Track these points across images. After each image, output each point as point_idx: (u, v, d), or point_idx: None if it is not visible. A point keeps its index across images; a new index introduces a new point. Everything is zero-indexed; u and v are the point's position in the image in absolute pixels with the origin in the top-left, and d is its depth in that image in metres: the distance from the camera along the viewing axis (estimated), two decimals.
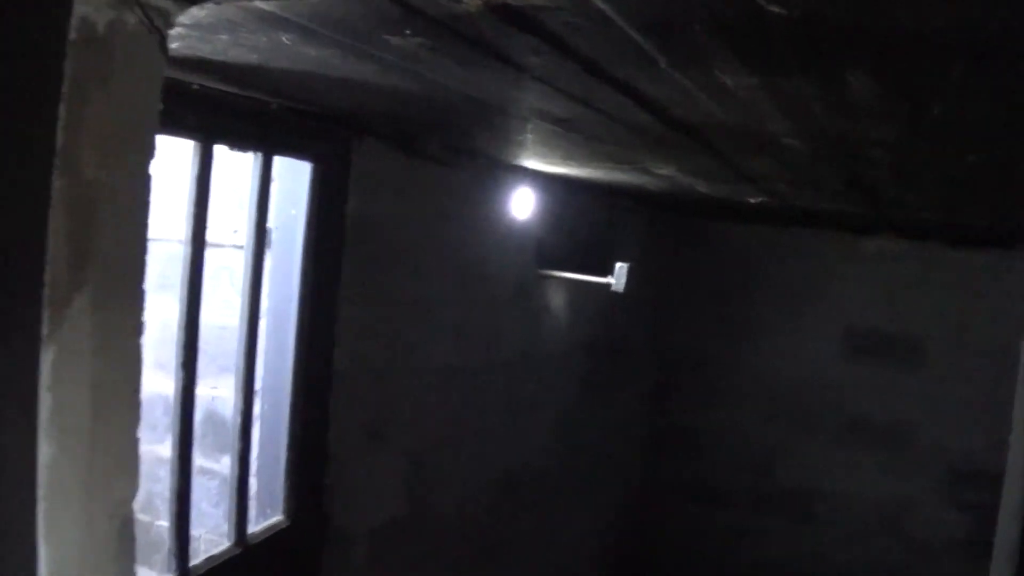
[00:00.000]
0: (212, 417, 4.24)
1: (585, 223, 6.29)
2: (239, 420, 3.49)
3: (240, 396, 3.48)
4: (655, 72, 2.17)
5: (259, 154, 3.43)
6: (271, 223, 3.68)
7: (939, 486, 7.52)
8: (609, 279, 5.53)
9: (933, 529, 7.52)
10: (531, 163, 4.82)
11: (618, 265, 5.49)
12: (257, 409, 3.69)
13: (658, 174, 4.68)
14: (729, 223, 7.88)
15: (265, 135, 3.40)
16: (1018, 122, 2.41)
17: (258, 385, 3.64)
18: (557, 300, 5.97)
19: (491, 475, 5.42)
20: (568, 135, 3.54)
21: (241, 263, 3.48)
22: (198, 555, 3.30)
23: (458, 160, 4.62)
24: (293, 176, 3.71)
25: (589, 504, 7.03)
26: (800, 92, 2.27)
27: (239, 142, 3.33)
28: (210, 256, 3.18)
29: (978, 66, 1.89)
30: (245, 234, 3.49)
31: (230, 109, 3.17)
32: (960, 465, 7.43)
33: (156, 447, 3.77)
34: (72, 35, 1.44)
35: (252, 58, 2.51)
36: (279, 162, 3.56)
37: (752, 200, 5.58)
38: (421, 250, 4.44)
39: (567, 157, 4.37)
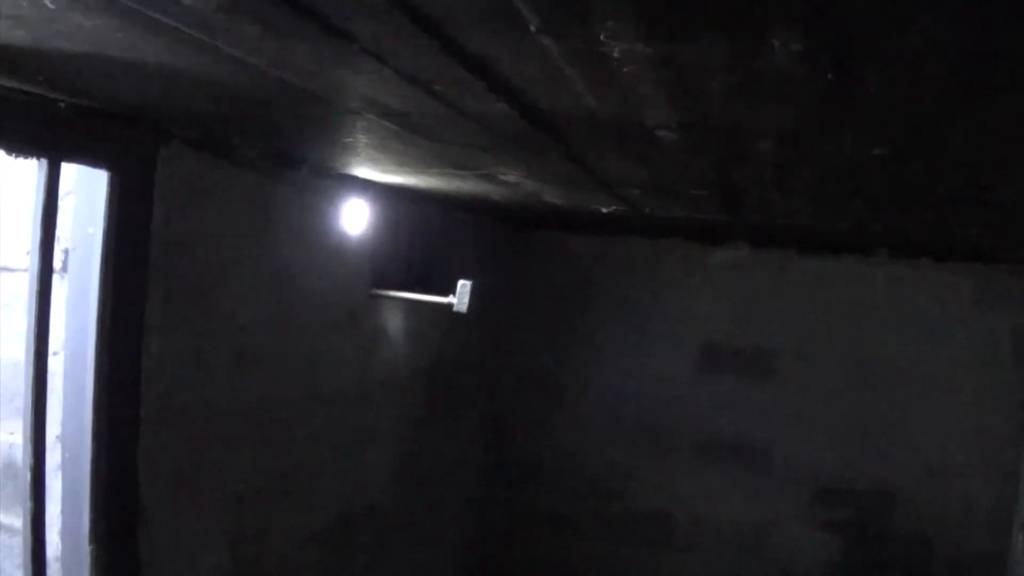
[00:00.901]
0: (12, 466, 3.63)
1: (423, 238, 5.79)
2: (29, 475, 3.01)
3: (29, 447, 3.01)
4: (521, 39, 1.69)
5: (43, 160, 2.91)
6: (67, 243, 3.23)
7: (800, 506, 7.27)
8: (450, 298, 5.04)
9: (796, 551, 7.21)
10: (363, 172, 4.32)
11: (460, 283, 5.00)
12: (58, 458, 3.25)
13: (504, 181, 4.22)
14: (573, 234, 7.46)
15: (51, 138, 2.90)
16: (955, 108, 2.00)
17: (58, 431, 3.25)
18: (393, 322, 5.45)
19: (324, 518, 4.87)
20: (406, 135, 3.04)
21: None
22: None
23: (280, 169, 4.09)
24: (93, 188, 3.19)
25: (433, 541, 6.52)
26: (703, 64, 1.81)
27: (18, 146, 2.82)
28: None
29: (940, 27, 1.45)
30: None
31: (5, 106, 2.67)
32: (820, 483, 7.22)
33: None
34: None
35: (19, 35, 1.97)
36: (76, 172, 3.13)
37: (604, 209, 5.16)
38: (238, 271, 3.91)
39: (404, 163, 3.87)
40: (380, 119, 2.77)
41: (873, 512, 7.07)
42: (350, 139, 3.31)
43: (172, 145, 3.40)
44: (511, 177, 4.08)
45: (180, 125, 3.34)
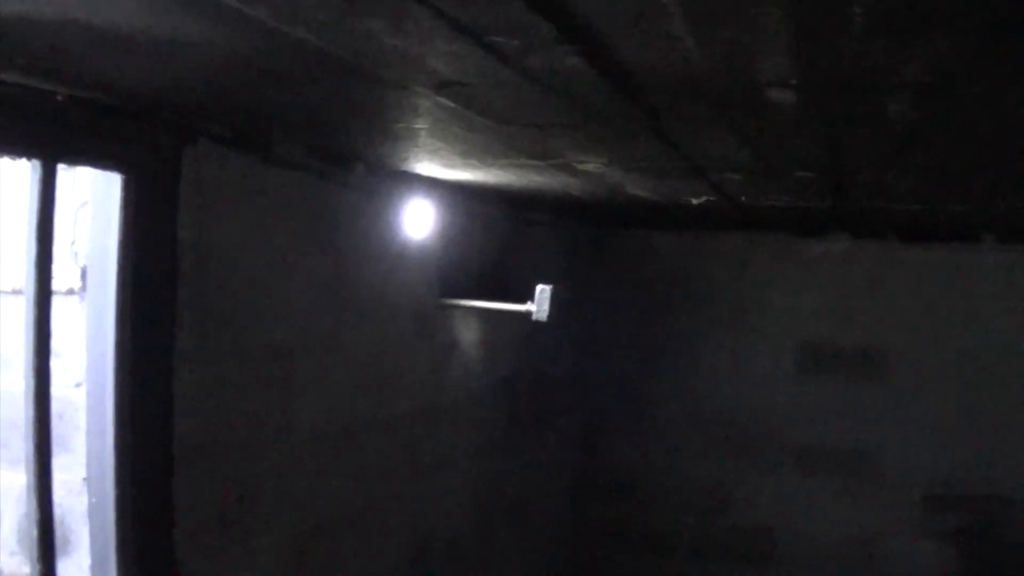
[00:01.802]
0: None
1: (495, 241, 5.34)
2: (35, 531, 2.57)
3: (34, 498, 2.59)
4: None
5: (37, 162, 2.49)
6: (84, 260, 2.86)
7: (911, 515, 6.59)
8: (528, 305, 4.57)
9: (908, 563, 6.63)
10: (425, 167, 3.88)
11: (539, 288, 4.54)
12: (85, 504, 2.87)
13: (583, 171, 3.75)
14: (659, 231, 6.97)
15: (43, 135, 2.48)
16: None
17: (84, 473, 2.88)
18: (467, 334, 5.00)
19: (398, 553, 4.43)
20: (465, 115, 2.59)
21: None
22: None
23: (330, 168, 3.67)
24: (111, 197, 2.79)
25: (521, 569, 6.03)
26: None
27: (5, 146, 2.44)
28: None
29: None
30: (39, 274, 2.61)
31: None
32: (933, 489, 6.59)
33: None
34: None
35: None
36: (93, 178, 2.77)
37: (694, 201, 4.67)
38: (283, 285, 3.49)
39: (468, 154, 3.42)
40: (434, 93, 2.32)
41: (990, 519, 6.47)
42: (403, 125, 2.86)
43: (200, 144, 3.00)
44: (590, 166, 3.62)
45: (207, 119, 2.93)
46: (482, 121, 2.68)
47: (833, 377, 6.78)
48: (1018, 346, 6.31)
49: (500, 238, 5.40)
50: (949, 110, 2.30)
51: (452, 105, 2.45)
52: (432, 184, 4.29)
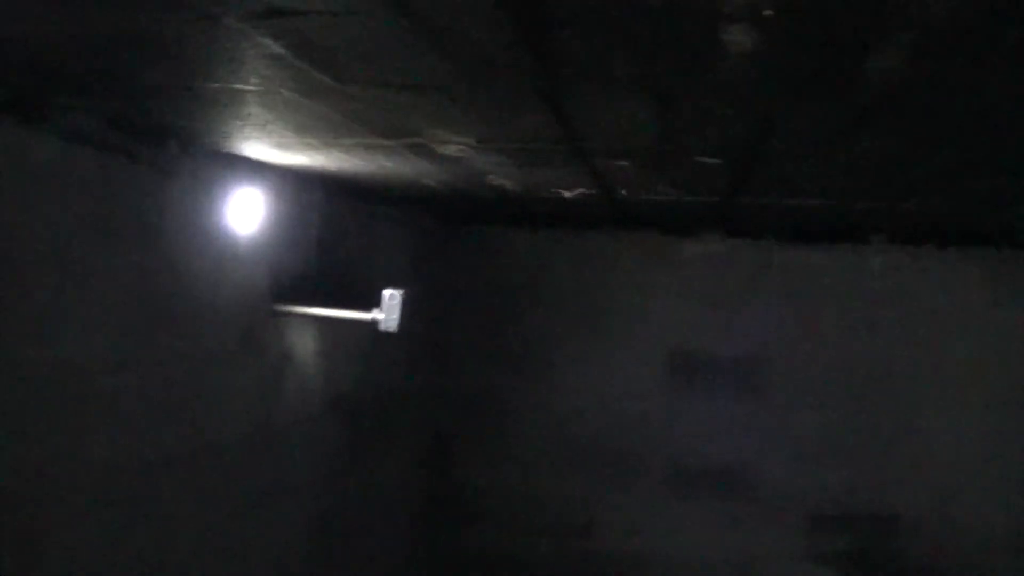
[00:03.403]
0: None
1: (339, 239, 4.67)
2: None
3: None
4: None
5: None
6: None
7: (793, 536, 6.23)
8: (375, 313, 3.93)
9: None
10: (254, 148, 3.23)
11: (387, 293, 3.91)
12: None
13: (443, 154, 3.14)
14: (520, 229, 6.45)
15: None
16: None
17: None
18: (303, 345, 4.33)
19: None
20: (300, 67, 1.96)
21: None
22: None
23: (135, 145, 2.98)
24: None
25: None
26: None
27: None
28: None
29: None
30: None
31: None
32: (814, 509, 6.21)
33: None
34: None
35: None
36: None
37: (566, 194, 4.09)
38: (72, 287, 2.79)
39: (305, 129, 2.77)
40: (255, 30, 1.68)
41: (875, 540, 6.13)
42: (220, 84, 2.20)
43: None
44: (453, 148, 3.01)
45: None
46: (321, 80, 2.05)
47: (707, 388, 6.38)
48: (905, 353, 5.95)
49: (343, 235, 4.74)
50: (952, 70, 1.75)
51: (282, 52, 1.82)
52: (263, 169, 3.63)
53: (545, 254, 6.47)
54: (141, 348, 3.11)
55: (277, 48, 1.79)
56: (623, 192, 4.03)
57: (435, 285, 6.23)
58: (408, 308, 3.93)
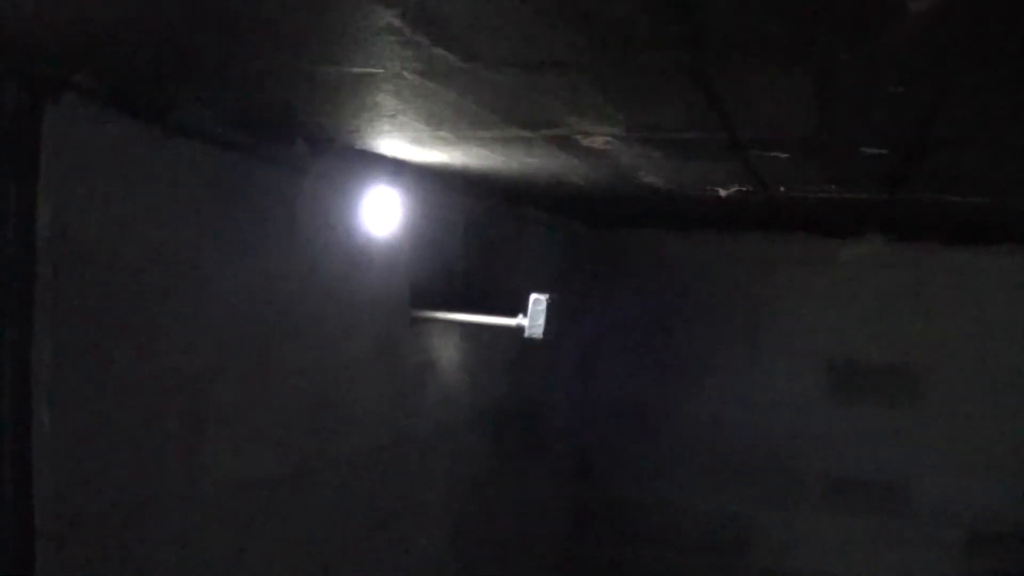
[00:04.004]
0: None
1: (481, 243, 4.50)
2: None
3: None
4: None
5: None
6: None
7: (952, 555, 5.91)
8: (520, 320, 3.74)
9: None
10: (387, 144, 3.05)
11: (533, 298, 3.71)
12: None
13: (587, 147, 2.91)
14: (671, 232, 6.22)
15: None
16: None
17: None
18: (445, 353, 4.16)
19: None
20: (421, 44, 1.75)
21: None
22: None
23: (258, 142, 2.83)
24: None
25: None
26: None
27: None
28: None
29: None
30: None
31: None
32: (977, 527, 5.86)
33: None
34: None
35: None
36: None
37: (722, 192, 3.83)
38: (189, 291, 2.64)
39: (436, 119, 2.58)
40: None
41: None
42: (341, 69, 2.02)
43: (65, 100, 2.20)
44: (598, 139, 2.78)
45: (75, 65, 2.08)
46: (444, 57, 1.85)
47: (864, 399, 6.10)
48: None
49: (486, 238, 4.57)
50: None
51: (396, 23, 1.62)
52: (400, 168, 3.46)
53: (697, 258, 6.26)
54: (264, 357, 2.96)
55: (390, 18, 1.59)
56: (781, 189, 3.76)
57: (583, 291, 6.04)
58: (555, 314, 3.72)
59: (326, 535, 3.35)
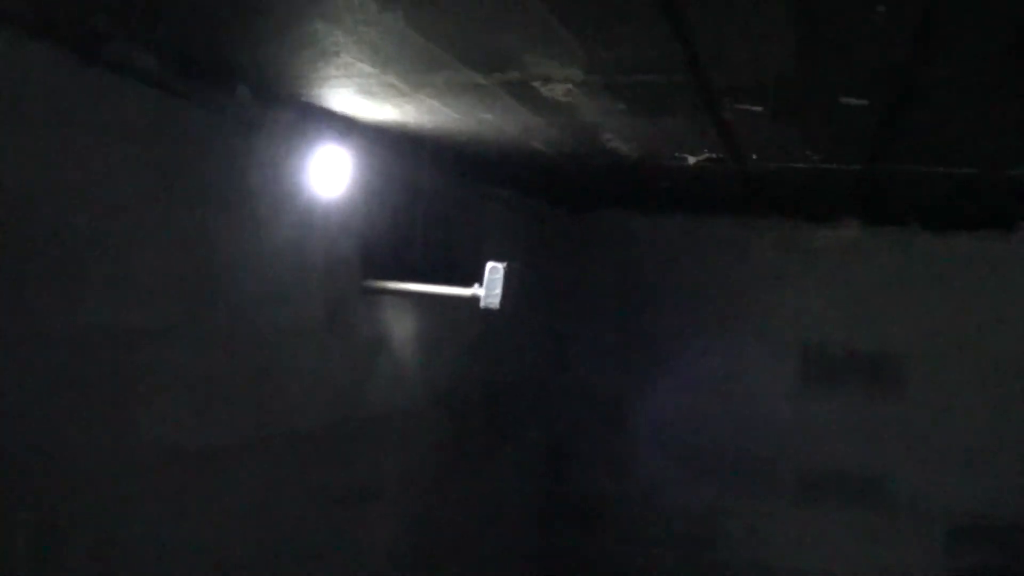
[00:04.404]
0: None
1: (442, 219, 4.30)
2: None
3: None
4: None
5: None
6: None
7: (932, 550, 5.77)
8: (475, 289, 3.53)
9: None
10: (335, 97, 2.87)
11: (489, 266, 3.51)
12: None
13: (547, 98, 2.73)
14: (640, 214, 6.04)
15: None
16: None
17: None
18: (401, 330, 3.95)
19: None
20: None
21: None
22: None
23: (200, 87, 2.64)
24: None
25: None
26: None
27: None
28: None
29: None
30: None
31: None
32: (958, 521, 5.73)
33: None
34: None
35: None
36: None
37: (691, 159, 3.65)
38: (121, 243, 2.45)
39: (385, 61, 2.38)
40: None
41: (1021, 555, 5.64)
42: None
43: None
44: (558, 87, 2.60)
45: None
46: None
47: (842, 388, 5.94)
48: None
49: (446, 213, 4.36)
50: None
51: None
52: (350, 126, 3.26)
53: (669, 243, 6.09)
54: (203, 319, 2.75)
55: None
56: (754, 157, 3.58)
57: (551, 275, 5.85)
58: (514, 284, 3.52)
59: (268, 513, 3.13)
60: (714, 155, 3.56)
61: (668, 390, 6.11)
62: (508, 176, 4.50)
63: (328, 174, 3.28)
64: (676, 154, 3.62)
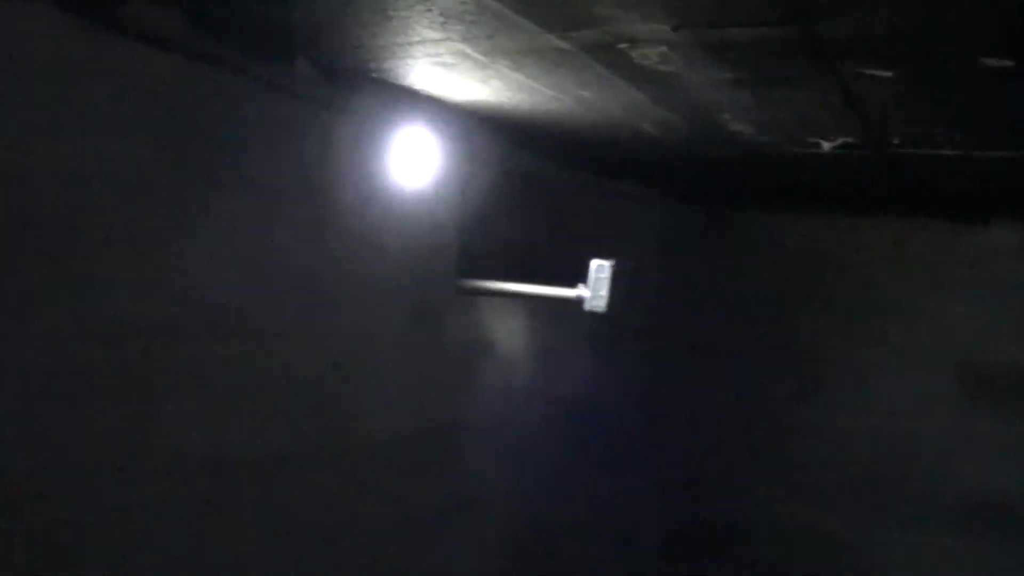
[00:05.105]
0: None
1: (550, 204, 3.99)
2: None
3: None
4: None
5: None
6: None
7: None
8: (580, 290, 3.22)
9: None
10: (414, 72, 2.58)
11: (595, 264, 3.21)
12: None
13: (644, 67, 2.41)
14: (778, 213, 5.70)
15: None
16: None
17: None
18: (504, 331, 3.67)
19: None
20: None
21: None
22: None
23: (247, 60, 2.39)
24: None
25: None
26: None
27: None
28: None
29: None
30: None
31: None
32: None
33: None
34: None
35: None
36: None
37: (825, 145, 3.29)
38: (147, 228, 2.24)
39: (457, 17, 2.09)
40: None
41: None
42: None
43: None
44: (650, 52, 2.27)
45: None
46: None
47: (1006, 409, 5.44)
48: None
49: (560, 208, 4.07)
50: None
51: None
52: (436, 107, 2.98)
53: (812, 245, 5.72)
54: (248, 317, 2.49)
55: None
56: (895, 142, 3.20)
57: (682, 279, 5.53)
58: (622, 285, 3.21)
59: (309, 533, 2.86)
60: (850, 139, 3.20)
61: (810, 407, 5.74)
62: (625, 167, 4.21)
63: (413, 160, 3.01)
64: (807, 138, 3.27)
